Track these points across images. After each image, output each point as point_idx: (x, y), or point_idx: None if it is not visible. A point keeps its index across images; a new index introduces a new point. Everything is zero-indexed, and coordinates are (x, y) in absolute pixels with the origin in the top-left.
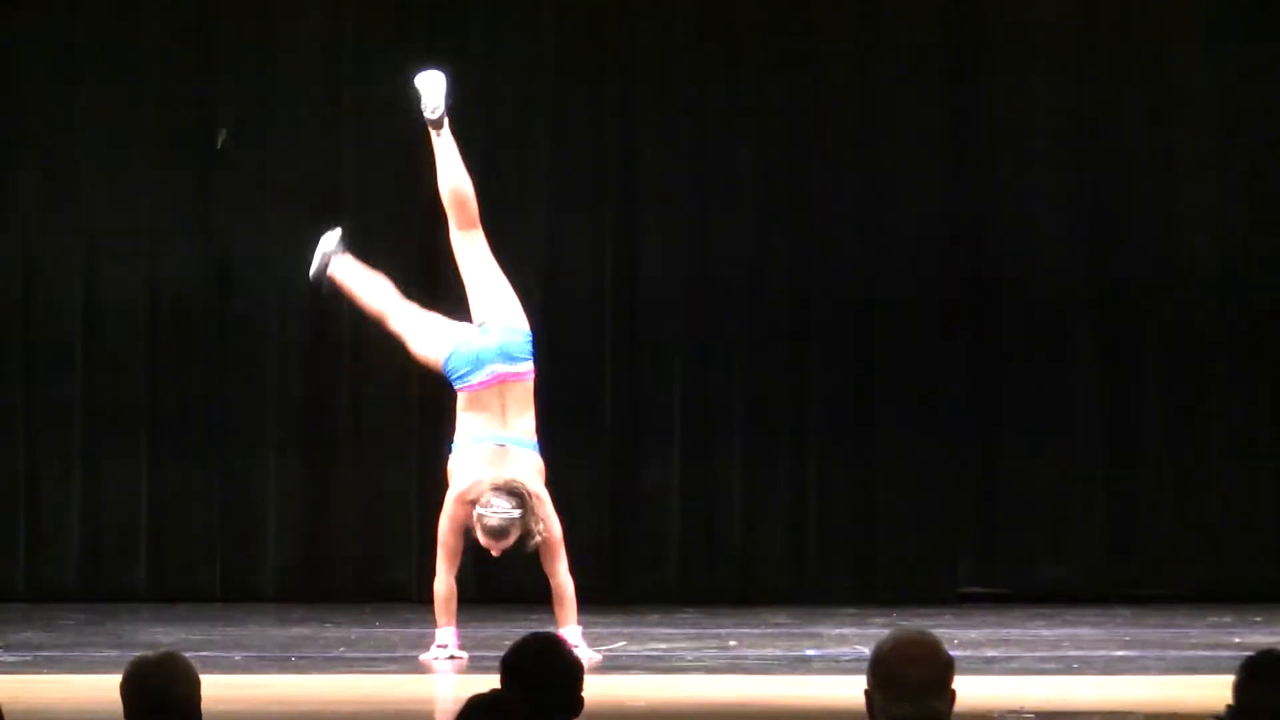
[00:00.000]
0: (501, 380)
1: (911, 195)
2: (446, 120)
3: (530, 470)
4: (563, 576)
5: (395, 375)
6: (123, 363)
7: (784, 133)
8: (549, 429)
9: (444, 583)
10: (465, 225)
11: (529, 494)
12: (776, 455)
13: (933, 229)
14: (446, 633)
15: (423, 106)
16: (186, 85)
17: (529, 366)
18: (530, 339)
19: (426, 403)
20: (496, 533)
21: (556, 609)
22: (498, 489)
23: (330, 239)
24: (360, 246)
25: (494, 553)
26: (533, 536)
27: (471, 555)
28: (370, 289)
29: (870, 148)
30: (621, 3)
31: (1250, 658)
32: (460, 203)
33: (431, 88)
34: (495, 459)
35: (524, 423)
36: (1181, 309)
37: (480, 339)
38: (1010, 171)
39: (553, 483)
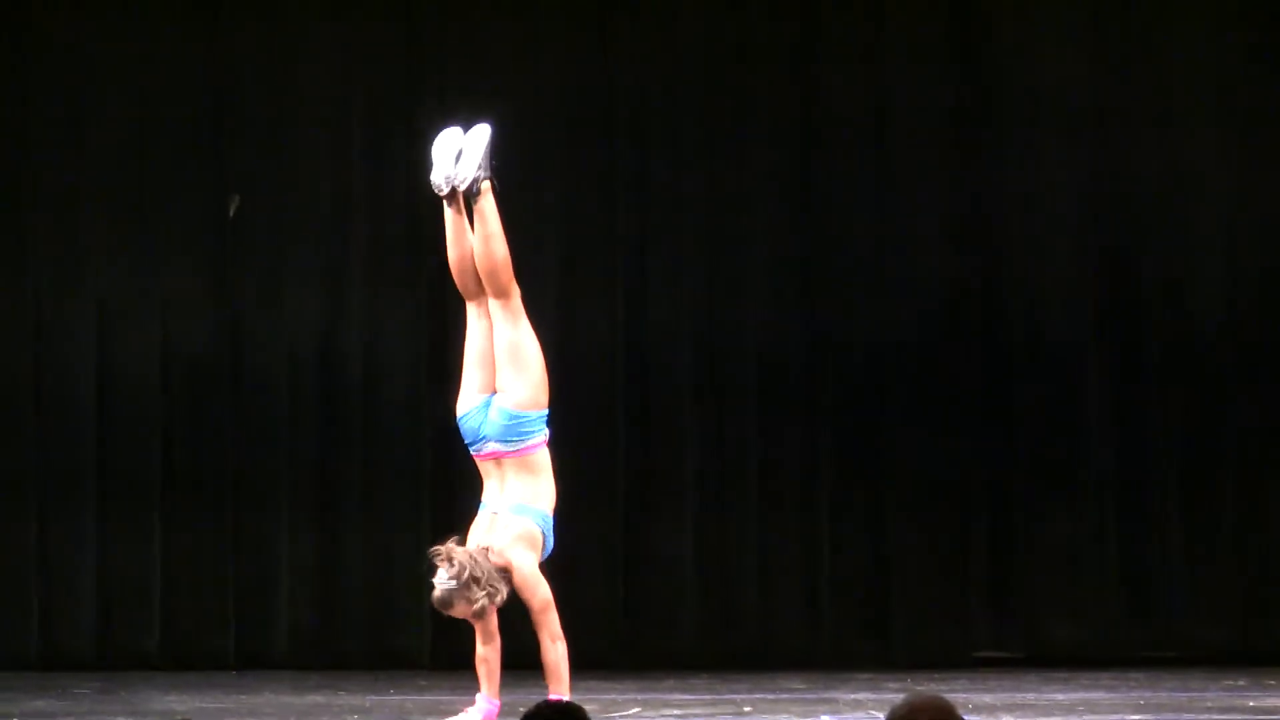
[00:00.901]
0: (495, 455)
1: (920, 251)
2: (488, 183)
3: (509, 536)
4: (545, 645)
5: (407, 443)
6: (135, 429)
7: (795, 193)
8: (560, 494)
9: (476, 644)
10: (496, 294)
11: (471, 562)
12: (789, 519)
13: (943, 296)
14: (479, 696)
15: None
16: (199, 150)
17: (528, 444)
18: (536, 419)
19: (438, 469)
20: (439, 604)
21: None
22: (444, 558)
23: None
24: (371, 310)
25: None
26: (475, 604)
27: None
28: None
29: (880, 207)
30: (630, 64)
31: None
32: (491, 271)
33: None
34: (487, 527)
35: (522, 488)
36: (1194, 370)
37: (484, 414)
38: (1018, 223)
39: (567, 547)
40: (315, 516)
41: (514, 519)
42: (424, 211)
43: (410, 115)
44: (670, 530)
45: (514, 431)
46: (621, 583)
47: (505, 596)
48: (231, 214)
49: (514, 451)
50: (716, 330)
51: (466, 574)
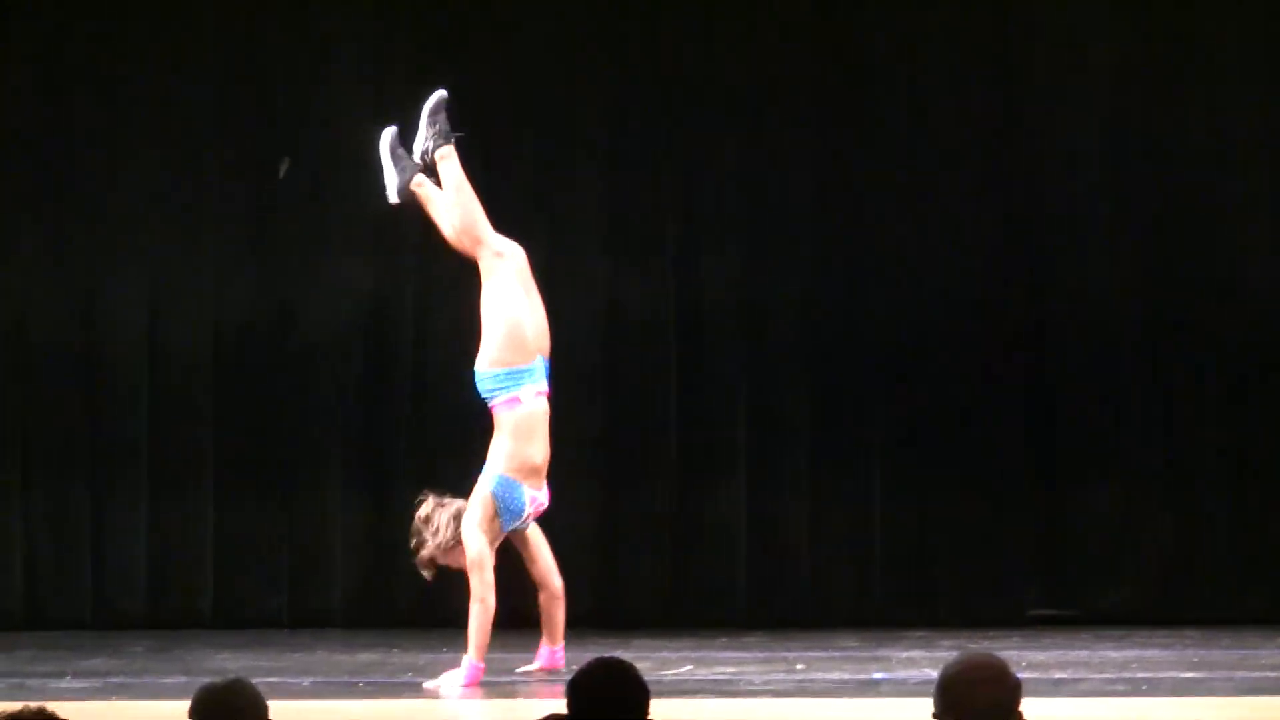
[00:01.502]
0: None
1: (966, 224)
2: (446, 148)
3: (473, 495)
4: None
5: (456, 406)
6: (187, 399)
7: (840, 161)
8: (613, 459)
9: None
10: (470, 255)
11: (425, 515)
12: (841, 480)
13: (988, 257)
14: (540, 646)
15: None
16: (244, 124)
17: (495, 402)
18: (499, 376)
19: (486, 432)
20: None
21: None
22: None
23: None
24: (421, 278)
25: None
26: (419, 553)
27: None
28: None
29: (924, 176)
30: (676, 32)
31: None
32: (460, 234)
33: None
34: None
35: (491, 448)
36: (1237, 331)
37: None
38: (1064, 200)
39: (621, 511)
40: (365, 479)
41: (480, 479)
42: (474, 176)
43: (452, 82)
44: (722, 494)
45: (483, 388)
46: (674, 545)
47: (434, 549)
48: (282, 175)
49: (492, 408)
50: (766, 299)
51: (417, 525)
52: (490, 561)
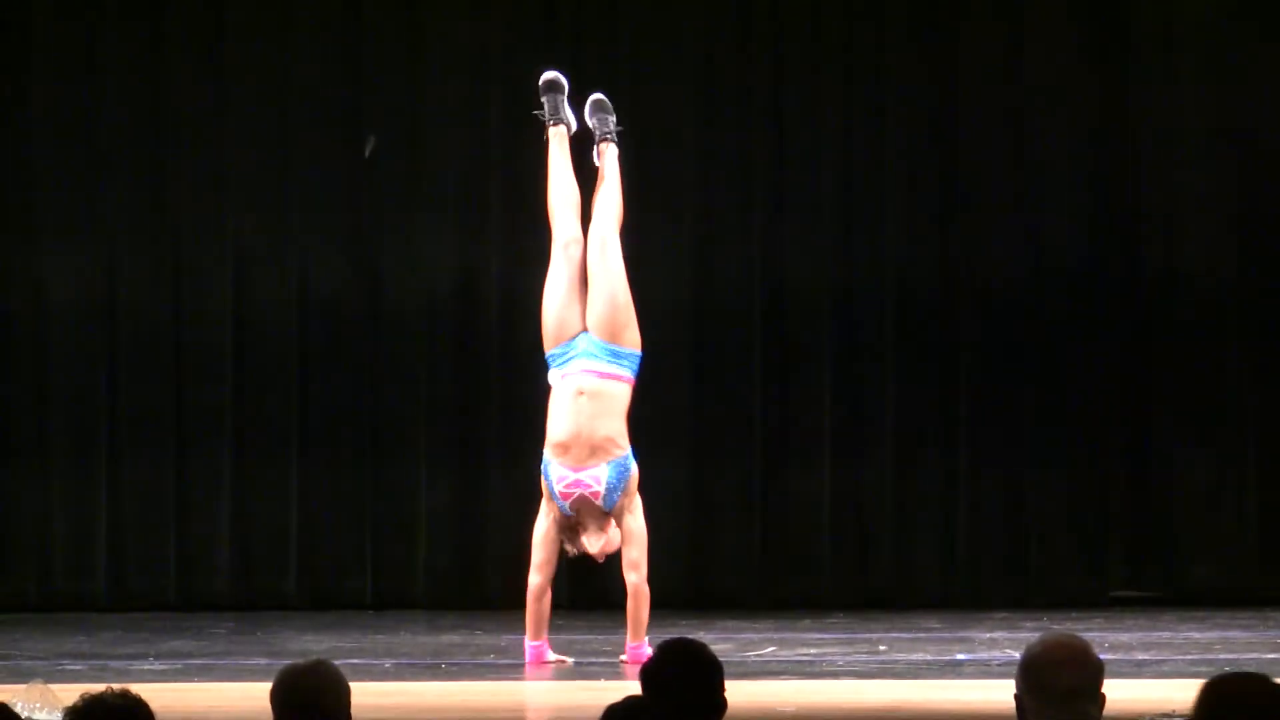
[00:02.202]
0: None
1: (1061, 198)
2: (549, 129)
3: None
4: None
5: (543, 383)
6: (273, 372)
7: (932, 136)
8: (697, 438)
9: None
10: None
11: None
12: (926, 460)
13: (1082, 232)
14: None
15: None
16: (334, 91)
17: None
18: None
19: None
20: None
21: None
22: None
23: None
24: (508, 250)
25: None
26: None
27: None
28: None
29: (1019, 151)
30: (769, 11)
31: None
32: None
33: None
34: None
35: None
36: None
37: None
38: (1160, 171)
39: (703, 490)
40: (452, 458)
41: None
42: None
43: (548, 53)
44: (807, 472)
45: None
46: (759, 524)
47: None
48: (368, 154)
49: None
50: (853, 275)
51: None
52: (538, 542)
